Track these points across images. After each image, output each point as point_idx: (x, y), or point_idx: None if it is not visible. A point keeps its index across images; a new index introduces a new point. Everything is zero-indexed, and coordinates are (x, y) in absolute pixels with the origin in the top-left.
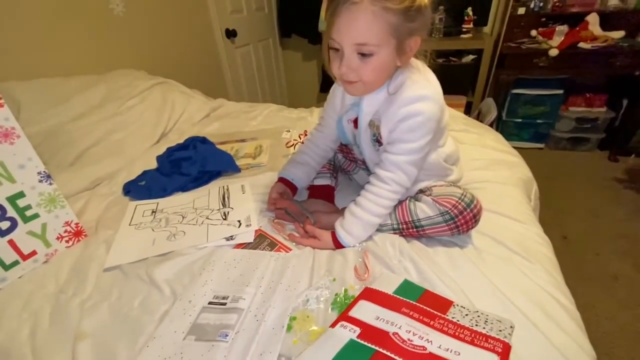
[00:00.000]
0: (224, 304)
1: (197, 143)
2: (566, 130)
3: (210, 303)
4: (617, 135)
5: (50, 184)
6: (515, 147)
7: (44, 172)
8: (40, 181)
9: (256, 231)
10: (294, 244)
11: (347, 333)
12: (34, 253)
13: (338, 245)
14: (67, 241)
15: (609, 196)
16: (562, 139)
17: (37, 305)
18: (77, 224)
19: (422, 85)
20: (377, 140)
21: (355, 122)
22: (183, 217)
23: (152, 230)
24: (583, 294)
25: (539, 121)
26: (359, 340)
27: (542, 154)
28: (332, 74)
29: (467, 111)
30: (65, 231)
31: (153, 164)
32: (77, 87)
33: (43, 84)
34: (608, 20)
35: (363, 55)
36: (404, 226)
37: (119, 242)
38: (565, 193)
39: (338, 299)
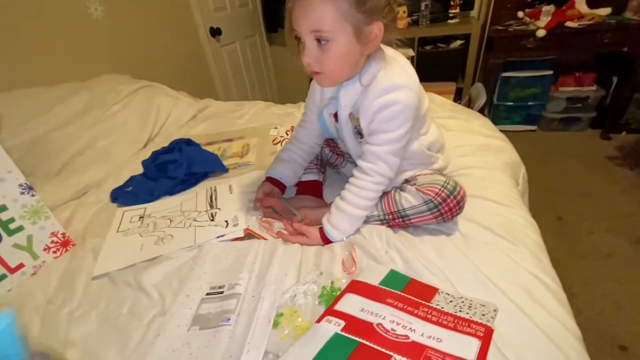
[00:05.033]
0: (222, 292)
1: (182, 145)
2: (557, 110)
3: (207, 294)
4: (608, 113)
5: (33, 195)
6: (507, 131)
7: (25, 184)
8: (22, 193)
9: (244, 230)
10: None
11: (332, 327)
12: (21, 266)
13: (326, 240)
14: (54, 252)
15: (601, 174)
16: (554, 120)
17: (26, 317)
18: (63, 234)
19: (396, 74)
20: (359, 133)
21: (336, 115)
22: (171, 221)
23: (140, 235)
24: (579, 273)
25: (530, 103)
26: (343, 334)
27: (534, 136)
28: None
29: (458, 97)
30: (52, 242)
31: (140, 170)
32: (60, 95)
33: (24, 95)
34: None
35: (320, 42)
36: (390, 217)
37: (106, 249)
38: (559, 174)
39: (325, 292)
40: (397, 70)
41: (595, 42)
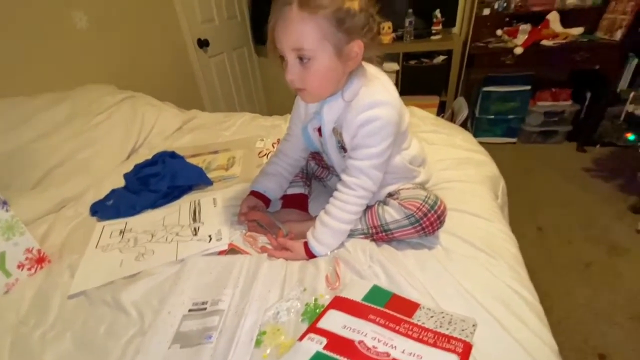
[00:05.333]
0: (204, 308)
1: (165, 158)
2: (536, 124)
3: (190, 310)
4: (583, 127)
5: (7, 210)
6: (489, 143)
7: None
8: None
9: (228, 245)
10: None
11: (314, 345)
12: None
13: (311, 255)
14: (29, 269)
15: (578, 185)
16: (533, 133)
17: None
18: (39, 250)
19: (378, 90)
20: (342, 147)
21: (320, 130)
22: (152, 236)
23: (120, 251)
24: (559, 282)
25: (510, 117)
26: (324, 352)
27: (514, 149)
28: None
29: (441, 110)
30: (27, 259)
31: (122, 182)
32: (41, 105)
33: (3, 104)
34: (568, 18)
35: (302, 60)
36: (374, 230)
37: (84, 266)
38: (538, 185)
39: (308, 309)
40: (378, 87)
41: (568, 59)
